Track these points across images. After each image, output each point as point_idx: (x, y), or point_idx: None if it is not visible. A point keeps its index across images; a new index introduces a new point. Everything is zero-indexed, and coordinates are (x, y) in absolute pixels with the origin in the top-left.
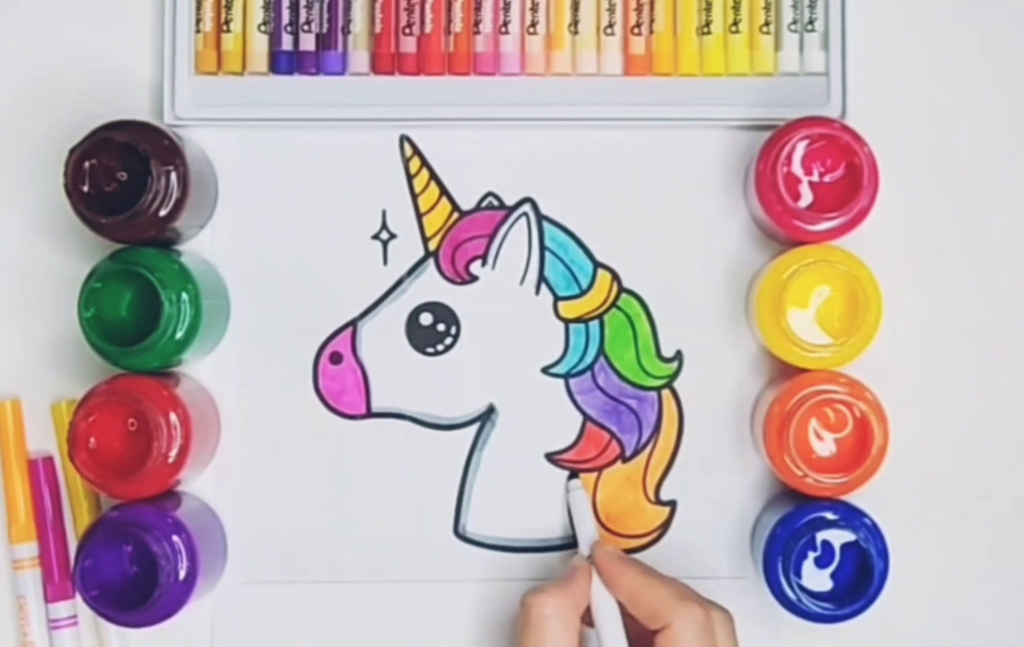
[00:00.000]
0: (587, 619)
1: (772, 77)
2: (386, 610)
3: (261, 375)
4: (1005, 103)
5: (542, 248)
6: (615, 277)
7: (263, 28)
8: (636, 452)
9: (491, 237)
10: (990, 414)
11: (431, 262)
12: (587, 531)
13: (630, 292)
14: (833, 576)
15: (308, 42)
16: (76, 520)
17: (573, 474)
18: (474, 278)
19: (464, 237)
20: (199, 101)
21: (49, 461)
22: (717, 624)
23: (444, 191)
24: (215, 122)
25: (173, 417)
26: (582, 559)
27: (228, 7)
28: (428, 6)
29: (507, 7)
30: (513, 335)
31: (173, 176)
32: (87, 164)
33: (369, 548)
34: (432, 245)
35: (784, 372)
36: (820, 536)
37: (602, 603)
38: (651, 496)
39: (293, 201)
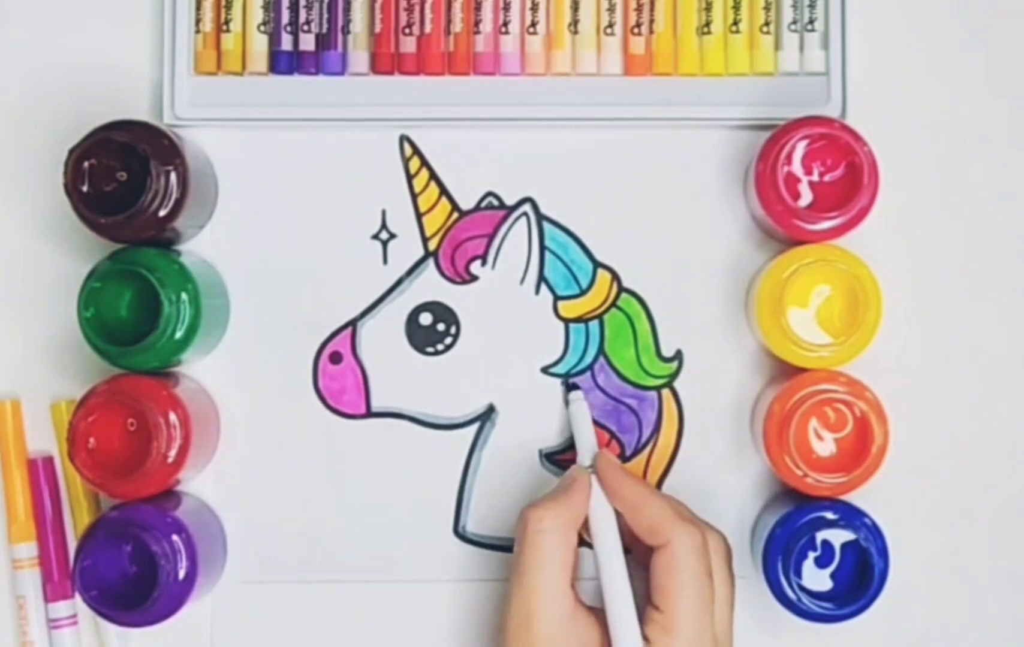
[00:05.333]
0: (585, 532)
1: (772, 77)
2: (386, 610)
3: (261, 375)
4: (1004, 103)
5: (542, 248)
6: (615, 277)
7: (263, 28)
8: (636, 452)
9: (491, 237)
10: (990, 414)
11: (431, 262)
12: (588, 441)
13: (630, 292)
14: (833, 576)
15: (308, 42)
16: (76, 520)
17: (574, 386)
18: (474, 278)
19: (464, 237)
20: (199, 101)
21: (49, 461)
22: (712, 546)
23: (444, 191)
24: (215, 122)
25: (173, 417)
26: (582, 470)
27: (228, 7)
28: (428, 6)
29: (507, 7)
30: (513, 335)
31: (173, 176)
32: (87, 164)
33: (369, 548)
34: (432, 245)
35: (784, 372)
36: (820, 536)
37: (600, 514)
38: None
39: (293, 201)
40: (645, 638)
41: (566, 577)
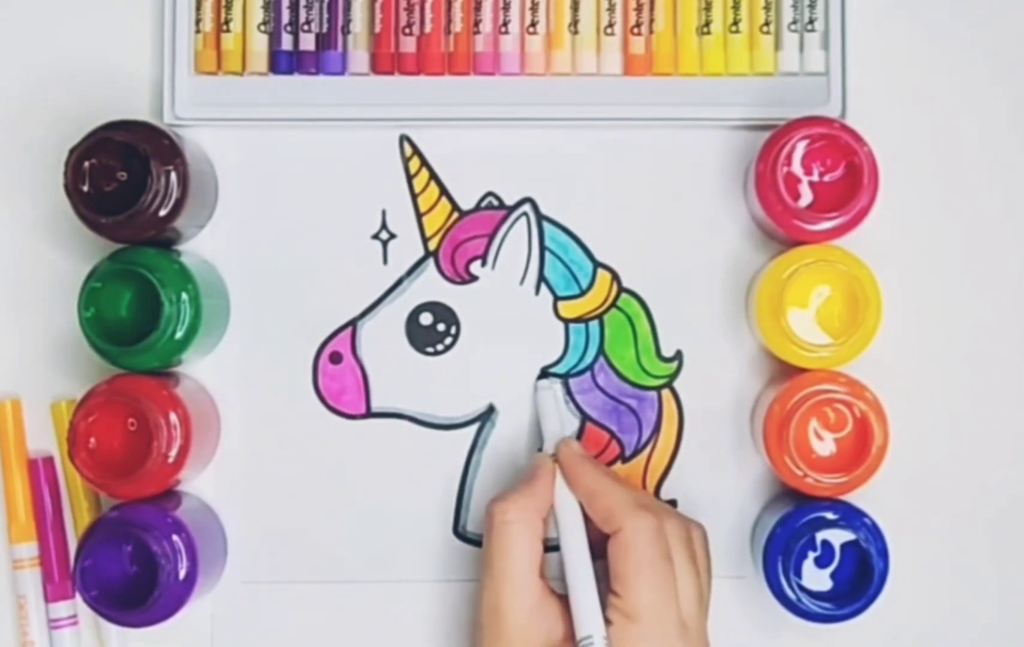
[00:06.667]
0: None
1: (772, 77)
2: (386, 610)
3: (261, 375)
4: (1005, 102)
5: (542, 248)
6: (615, 277)
7: (263, 28)
8: (636, 452)
9: (491, 237)
10: (989, 414)
11: (431, 262)
12: (553, 429)
13: (630, 292)
14: (833, 576)
15: (308, 42)
16: (76, 520)
17: (543, 374)
18: (474, 278)
19: (464, 237)
20: (199, 101)
21: (49, 461)
22: (671, 532)
23: (444, 191)
24: (215, 122)
25: (173, 417)
26: (546, 457)
27: (228, 7)
28: (428, 6)
29: (507, 7)
30: (513, 335)
31: (173, 176)
32: (87, 164)
33: (369, 548)
34: (432, 245)
35: (784, 372)
36: (820, 536)
37: (564, 503)
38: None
39: (293, 201)
40: (607, 620)
41: (533, 567)
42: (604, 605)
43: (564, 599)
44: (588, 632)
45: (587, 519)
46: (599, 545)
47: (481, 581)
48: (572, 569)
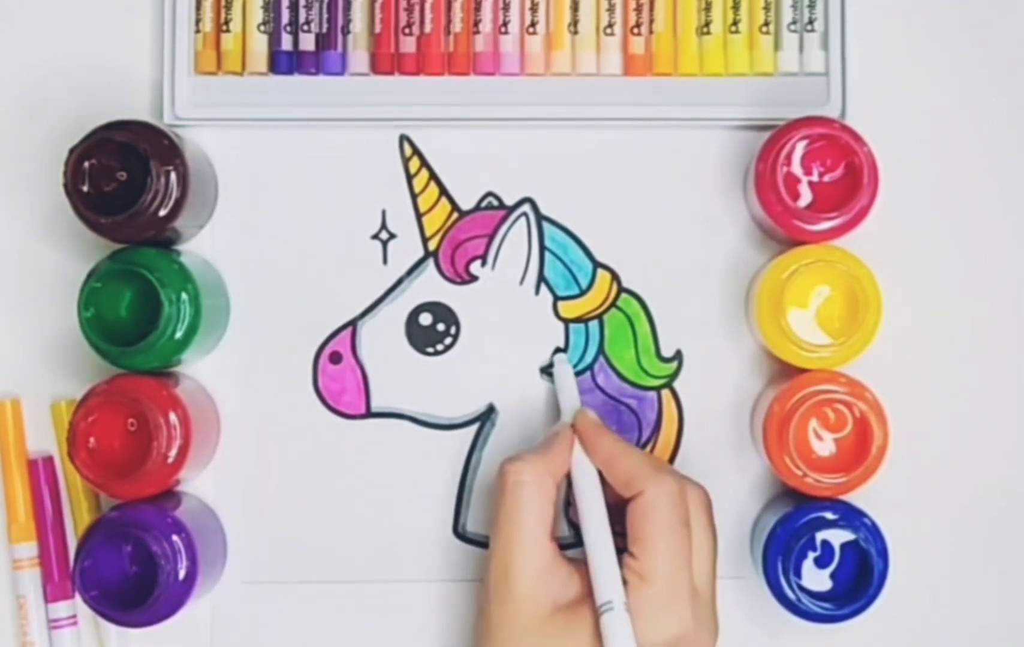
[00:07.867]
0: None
1: (772, 77)
2: (386, 610)
3: (261, 375)
4: (1005, 102)
5: (542, 248)
6: (615, 277)
7: (263, 28)
8: None
9: (491, 237)
10: (990, 414)
11: (431, 262)
12: (570, 401)
13: (630, 292)
14: (833, 576)
15: (308, 42)
16: (76, 520)
17: (558, 349)
18: (474, 278)
19: (464, 237)
20: (199, 101)
21: (49, 461)
22: (691, 498)
23: (444, 191)
24: (215, 122)
25: (173, 417)
26: (565, 427)
27: (228, 7)
28: (428, 6)
29: (507, 7)
30: (513, 335)
31: (173, 176)
32: (87, 164)
33: (369, 548)
34: (432, 245)
35: (784, 372)
36: (820, 536)
37: (582, 470)
38: None
39: (293, 201)
40: (623, 581)
41: (544, 528)
42: (620, 567)
43: (574, 563)
44: (608, 597)
45: (604, 487)
46: (614, 515)
47: (490, 543)
48: (591, 535)
